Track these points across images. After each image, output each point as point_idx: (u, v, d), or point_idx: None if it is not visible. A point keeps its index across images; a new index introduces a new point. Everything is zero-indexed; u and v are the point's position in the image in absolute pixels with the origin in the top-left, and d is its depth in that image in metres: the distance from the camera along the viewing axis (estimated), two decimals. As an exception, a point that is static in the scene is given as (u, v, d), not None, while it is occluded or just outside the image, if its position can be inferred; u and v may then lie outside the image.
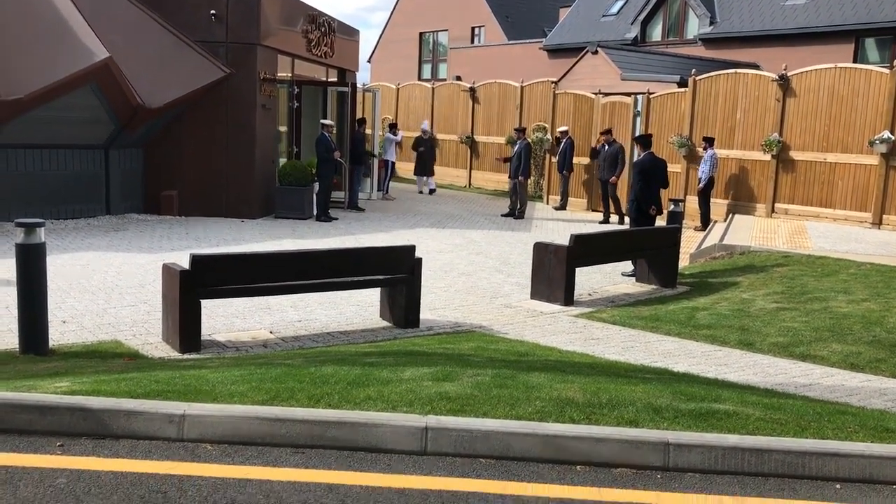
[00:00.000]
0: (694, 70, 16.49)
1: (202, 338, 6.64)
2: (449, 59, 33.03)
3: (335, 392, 4.54)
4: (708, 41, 23.32)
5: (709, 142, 14.86)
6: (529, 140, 17.42)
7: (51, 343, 6.31)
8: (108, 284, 8.85)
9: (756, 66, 19.05)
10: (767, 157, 14.66)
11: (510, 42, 31.01)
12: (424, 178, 20.45)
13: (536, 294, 8.96)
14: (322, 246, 11.21)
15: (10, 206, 12.28)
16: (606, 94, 17.67)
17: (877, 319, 7.62)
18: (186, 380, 4.75)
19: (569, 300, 8.74)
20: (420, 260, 7.60)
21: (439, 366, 5.29)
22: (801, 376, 6.25)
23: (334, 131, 15.72)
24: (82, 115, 12.85)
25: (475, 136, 22.03)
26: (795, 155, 14.40)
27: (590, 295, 9.40)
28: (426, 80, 30.24)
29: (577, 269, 9.01)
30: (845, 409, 5.07)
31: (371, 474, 3.83)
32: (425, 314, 7.84)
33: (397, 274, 7.46)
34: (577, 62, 19.35)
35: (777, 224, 13.86)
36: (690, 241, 12.94)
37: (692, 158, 15.71)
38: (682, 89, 16.28)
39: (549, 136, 19.03)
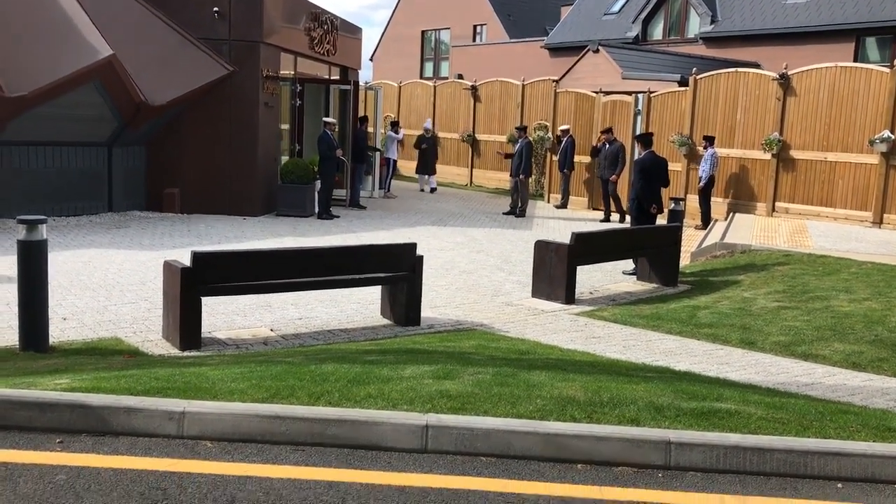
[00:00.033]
0: (695, 69, 16.47)
1: (203, 335, 6.63)
2: (451, 58, 33.02)
3: (335, 390, 4.54)
4: (709, 40, 23.29)
5: (709, 141, 14.84)
6: (531, 138, 17.40)
7: (51, 340, 6.31)
8: (110, 281, 8.85)
9: (757, 65, 19.02)
10: (768, 156, 14.64)
11: (512, 40, 30.98)
12: (426, 176, 20.44)
13: (537, 292, 8.95)
14: (323, 244, 11.20)
15: (13, 203, 12.28)
16: (607, 93, 17.65)
17: (878, 318, 7.60)
18: (186, 377, 4.74)
19: (570, 298, 8.73)
20: (421, 258, 7.59)
21: (440, 364, 5.29)
22: (803, 375, 6.24)
23: (336, 129, 15.71)
24: (86, 113, 12.85)
25: (476, 135, 22.02)
26: (796, 154, 14.39)
27: (591, 293, 9.39)
28: (428, 79, 30.23)
29: (578, 268, 9.01)
30: (847, 408, 5.06)
31: (371, 472, 3.82)
32: (426, 312, 7.84)
33: (398, 272, 7.45)
34: (578, 61, 19.33)
35: (778, 223, 13.85)
36: (691, 239, 12.93)
37: (693, 157, 15.69)
38: (683, 88, 16.26)
39: (550, 134, 19.02)
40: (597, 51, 18.79)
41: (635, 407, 4.49)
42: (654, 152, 10.79)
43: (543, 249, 8.94)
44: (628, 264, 10.65)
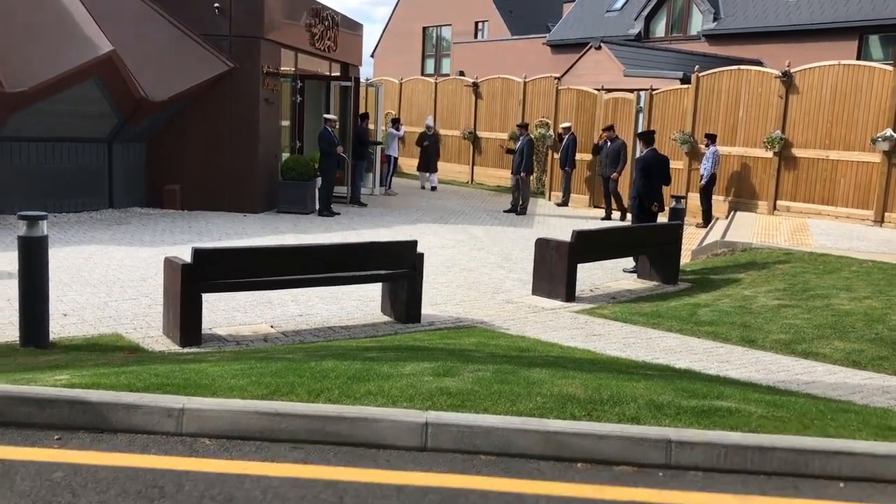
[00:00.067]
0: (697, 66, 16.43)
1: (203, 332, 6.62)
2: (452, 54, 32.98)
3: (335, 387, 4.52)
4: (711, 37, 23.24)
5: (711, 139, 14.81)
6: (532, 136, 17.38)
7: (51, 336, 6.30)
8: (110, 278, 8.84)
9: (759, 63, 18.98)
10: (769, 154, 14.61)
11: (513, 37, 30.94)
12: (427, 173, 20.41)
13: (538, 290, 8.94)
14: (324, 240, 11.19)
15: (14, 199, 12.26)
16: (609, 91, 17.62)
17: (879, 317, 7.59)
18: (186, 373, 4.73)
19: (570, 296, 8.72)
20: (422, 255, 7.58)
21: (440, 361, 5.27)
22: (804, 374, 6.23)
23: (337, 126, 15.70)
24: (86, 109, 12.83)
25: (478, 132, 21.98)
26: (798, 152, 14.36)
27: (591, 291, 9.37)
28: (429, 75, 30.20)
29: (579, 266, 8.99)
30: (848, 406, 5.05)
31: (370, 470, 3.81)
32: (426, 309, 7.82)
33: (399, 269, 7.44)
34: (580, 58, 19.30)
35: (779, 221, 13.83)
36: (692, 237, 12.91)
37: (694, 155, 15.66)
38: (685, 86, 16.23)
39: (551, 132, 18.99)
40: (599, 48, 18.76)
41: (635, 405, 4.47)
42: (656, 150, 10.77)
43: (544, 247, 8.92)
44: (629, 262, 10.63)
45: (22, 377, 4.58)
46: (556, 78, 19.46)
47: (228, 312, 7.60)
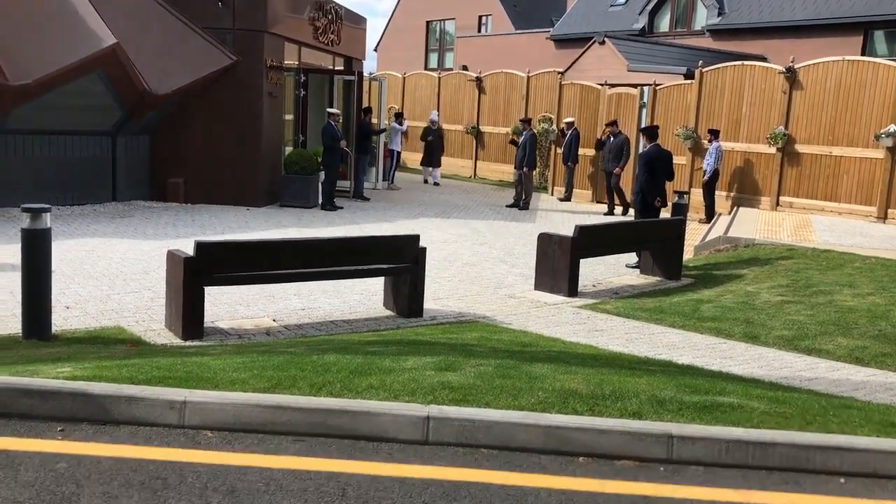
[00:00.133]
0: (701, 62, 16.40)
1: (205, 325, 6.63)
2: (456, 49, 32.92)
3: (337, 380, 4.53)
4: (715, 32, 23.18)
5: (714, 134, 14.79)
6: (535, 131, 17.35)
7: (54, 328, 6.31)
8: (113, 271, 8.85)
9: (763, 58, 18.93)
10: (773, 150, 14.59)
11: (517, 31, 30.87)
12: (430, 168, 20.40)
13: (540, 285, 8.94)
14: (327, 235, 11.20)
15: (17, 192, 12.27)
16: (613, 86, 17.59)
17: (882, 313, 7.58)
18: (188, 366, 4.74)
19: (573, 291, 8.72)
20: (424, 249, 7.58)
21: (442, 355, 5.28)
22: (806, 370, 6.23)
23: (340, 120, 15.69)
24: (89, 102, 12.83)
25: (481, 127, 21.96)
26: (801, 148, 14.33)
27: (594, 286, 9.37)
28: (433, 70, 30.16)
29: (582, 261, 8.99)
30: (851, 403, 5.05)
31: (372, 463, 3.82)
32: (429, 304, 7.83)
33: (401, 263, 7.44)
34: (583, 52, 19.25)
35: (782, 217, 13.80)
36: (695, 233, 12.89)
37: (697, 151, 15.64)
38: (689, 81, 16.19)
39: (554, 126, 18.96)
40: (602, 42, 18.71)
41: (637, 400, 4.48)
42: (659, 145, 10.76)
43: (547, 242, 8.92)
44: (632, 257, 10.63)
45: (25, 369, 4.59)
46: (559, 73, 19.42)
47: (231, 306, 7.61)
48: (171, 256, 6.62)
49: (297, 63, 16.37)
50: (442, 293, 8.60)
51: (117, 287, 8.13)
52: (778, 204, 14.63)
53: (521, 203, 16.27)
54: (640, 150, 11.73)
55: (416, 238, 7.55)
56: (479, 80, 21.94)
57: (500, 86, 21.50)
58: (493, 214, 15.29)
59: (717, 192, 14.97)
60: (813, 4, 21.46)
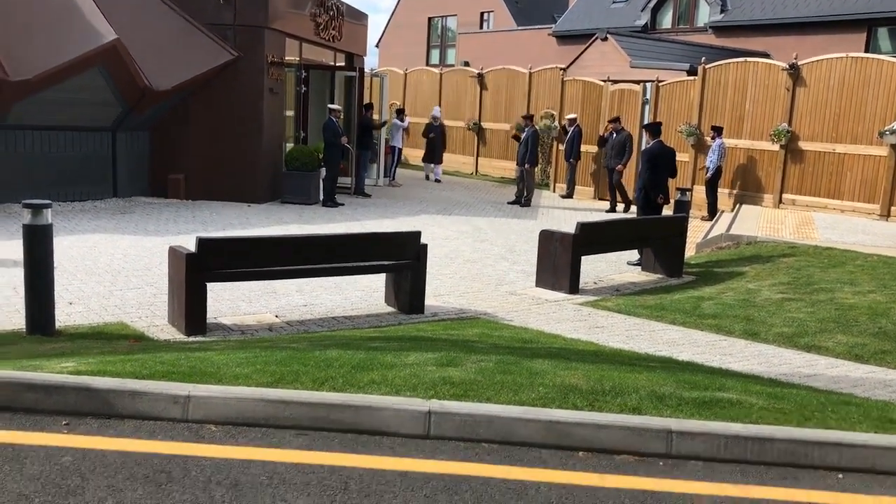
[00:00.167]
0: (704, 58, 16.39)
1: (208, 321, 6.66)
2: (457, 45, 32.90)
3: (339, 375, 4.56)
4: (718, 29, 23.16)
5: (717, 131, 14.78)
6: (537, 127, 17.36)
7: (57, 324, 6.34)
8: (115, 267, 8.88)
9: (766, 55, 18.92)
10: (776, 147, 14.59)
11: (519, 28, 30.85)
12: (432, 164, 20.41)
13: (541, 282, 8.96)
14: (328, 231, 11.22)
15: (18, 188, 12.31)
16: (615, 82, 17.58)
17: (883, 311, 7.60)
18: (191, 361, 4.77)
19: (574, 288, 8.74)
20: (425, 246, 7.60)
21: (443, 351, 5.31)
22: (806, 367, 6.25)
23: (341, 116, 15.70)
24: (90, 97, 12.85)
25: (482, 123, 21.96)
26: (804, 145, 14.33)
27: (595, 283, 9.39)
28: (434, 66, 30.15)
29: (583, 258, 9.00)
30: (849, 399, 5.07)
31: (374, 457, 3.85)
32: (430, 300, 7.85)
33: (403, 260, 7.46)
34: (586, 49, 19.24)
35: (784, 215, 13.81)
36: (697, 230, 12.91)
37: (700, 148, 15.64)
38: (692, 77, 16.19)
39: (556, 123, 18.96)
40: (605, 39, 18.70)
41: (637, 396, 4.50)
42: (662, 142, 10.76)
43: (548, 239, 8.94)
44: (633, 254, 10.64)
45: (29, 364, 4.62)
46: (561, 69, 19.41)
47: (233, 302, 7.64)
48: (173, 252, 6.64)
49: (298, 59, 16.38)
50: (443, 290, 8.63)
51: (119, 283, 8.16)
52: (781, 201, 14.64)
53: (523, 200, 16.28)
54: (644, 147, 11.72)
55: (418, 234, 7.58)
56: (480, 77, 21.94)
57: (501, 82, 21.49)
58: (494, 211, 15.31)
59: (719, 190, 14.97)
60: (816, 1, 21.44)
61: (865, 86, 13.54)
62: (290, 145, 15.88)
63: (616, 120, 16.16)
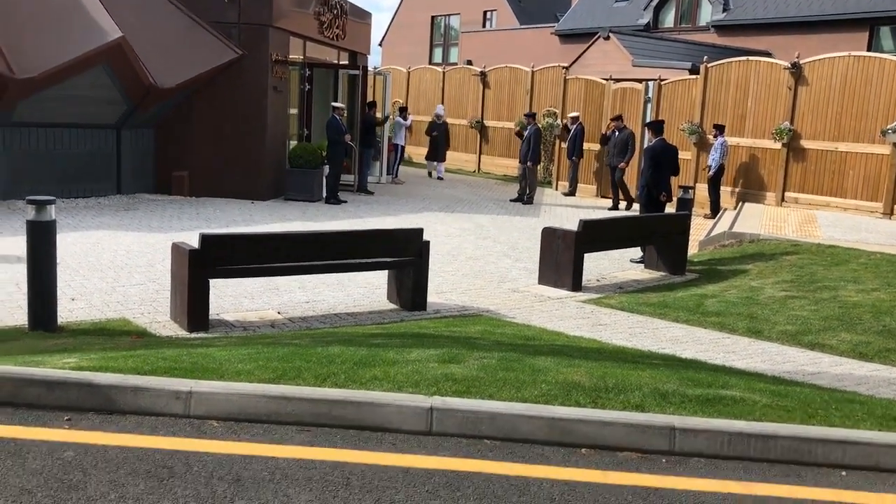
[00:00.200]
0: (706, 57, 16.36)
1: (210, 317, 6.66)
2: (460, 43, 32.89)
3: (341, 372, 4.56)
4: (721, 28, 23.13)
5: (719, 129, 14.76)
6: (539, 125, 17.34)
7: (59, 320, 6.34)
8: (118, 263, 8.88)
9: (769, 54, 18.89)
10: (778, 145, 14.56)
11: (522, 26, 30.83)
12: (435, 162, 20.40)
13: (544, 279, 8.95)
14: (331, 228, 11.22)
15: (23, 184, 12.33)
16: (617, 80, 17.56)
17: (887, 309, 7.58)
18: (194, 357, 4.77)
19: (576, 286, 8.73)
20: (428, 243, 7.60)
21: (445, 348, 5.30)
22: (810, 364, 6.23)
23: (345, 114, 15.69)
24: (95, 95, 12.86)
25: (485, 121, 21.95)
26: (806, 144, 14.30)
27: (598, 281, 9.38)
28: (437, 64, 30.14)
29: (586, 255, 8.99)
30: (853, 397, 5.06)
31: (376, 453, 3.84)
32: (432, 297, 7.85)
33: (405, 257, 7.46)
34: (588, 47, 19.22)
35: (787, 213, 13.79)
36: (700, 228, 12.89)
37: (702, 146, 15.62)
38: (694, 76, 16.16)
39: (559, 121, 18.94)
40: (607, 38, 18.69)
41: (640, 393, 4.50)
42: (665, 140, 10.75)
43: (550, 236, 8.93)
44: (636, 252, 10.63)
45: (31, 360, 4.62)
46: (564, 67, 19.39)
47: (236, 298, 7.64)
48: (176, 249, 6.64)
49: (301, 57, 16.38)
50: (445, 287, 8.62)
51: (122, 279, 8.16)
52: (783, 199, 14.61)
53: (526, 198, 16.27)
54: (646, 145, 11.71)
55: (420, 232, 7.57)
56: (483, 75, 21.93)
57: (504, 80, 21.48)
58: (497, 209, 15.30)
59: (722, 188, 14.95)
60: (818, 0, 21.39)
61: (868, 85, 13.51)
62: (293, 143, 15.89)
63: (618, 118, 16.14)
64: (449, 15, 35.36)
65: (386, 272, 7.87)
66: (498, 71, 21.74)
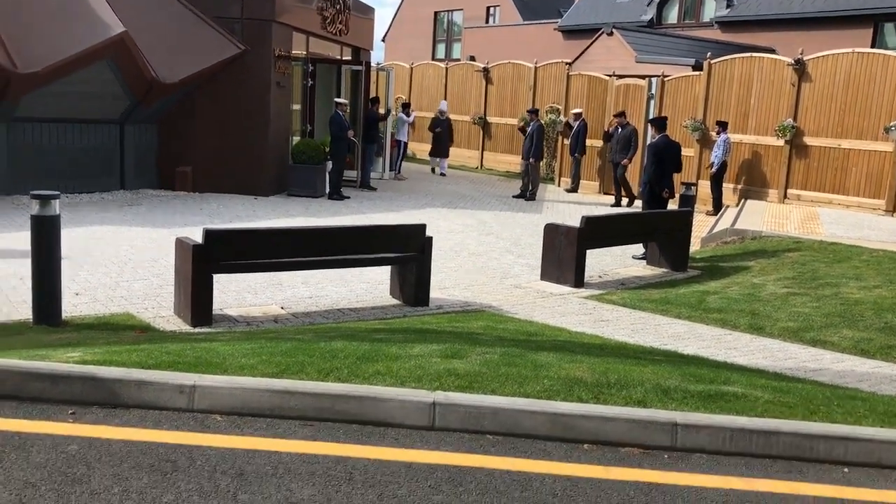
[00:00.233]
0: (709, 53, 16.34)
1: (214, 312, 6.68)
2: (463, 39, 32.85)
3: (344, 366, 4.57)
4: (724, 24, 23.08)
5: (722, 126, 14.75)
6: (542, 122, 17.34)
7: (64, 315, 6.36)
8: (122, 258, 8.90)
9: (772, 51, 18.85)
10: (781, 142, 14.54)
11: (525, 22, 30.78)
12: (438, 158, 20.40)
13: (546, 275, 8.96)
14: (334, 224, 11.23)
15: (26, 180, 12.33)
16: (620, 77, 17.54)
17: (889, 306, 7.58)
18: (197, 352, 4.78)
19: (579, 282, 8.73)
20: (430, 239, 7.60)
21: (448, 343, 5.31)
22: (811, 361, 6.24)
23: (348, 110, 15.68)
24: (98, 90, 12.87)
25: (488, 117, 21.94)
26: (809, 140, 14.28)
27: (600, 277, 9.39)
28: (440, 60, 30.10)
29: (588, 251, 9.00)
30: (855, 394, 5.07)
31: (379, 448, 3.86)
32: (435, 293, 7.86)
33: (408, 252, 7.47)
34: (591, 43, 19.21)
35: (789, 210, 13.78)
36: (702, 225, 12.89)
37: (705, 142, 15.60)
38: (697, 73, 16.15)
39: (562, 117, 18.93)
40: (611, 34, 18.67)
41: (642, 389, 4.51)
42: (668, 136, 10.75)
43: (553, 232, 8.93)
44: (638, 248, 10.63)
45: (35, 354, 4.64)
46: (567, 63, 19.38)
47: (239, 293, 7.65)
48: (180, 244, 6.66)
49: (304, 53, 16.38)
50: (448, 283, 8.63)
51: (126, 274, 8.18)
52: (786, 196, 14.60)
53: (528, 194, 16.27)
54: (649, 141, 11.71)
55: (423, 227, 7.58)
56: (486, 71, 21.91)
57: (507, 76, 21.46)
58: (499, 205, 15.30)
59: (724, 185, 14.94)
60: (823, -4, 21.35)
61: (871, 81, 13.49)
62: (296, 139, 15.89)
63: (621, 114, 16.14)
64: (452, 10, 35.31)
65: (389, 268, 7.88)
66: (501, 67, 21.72)
